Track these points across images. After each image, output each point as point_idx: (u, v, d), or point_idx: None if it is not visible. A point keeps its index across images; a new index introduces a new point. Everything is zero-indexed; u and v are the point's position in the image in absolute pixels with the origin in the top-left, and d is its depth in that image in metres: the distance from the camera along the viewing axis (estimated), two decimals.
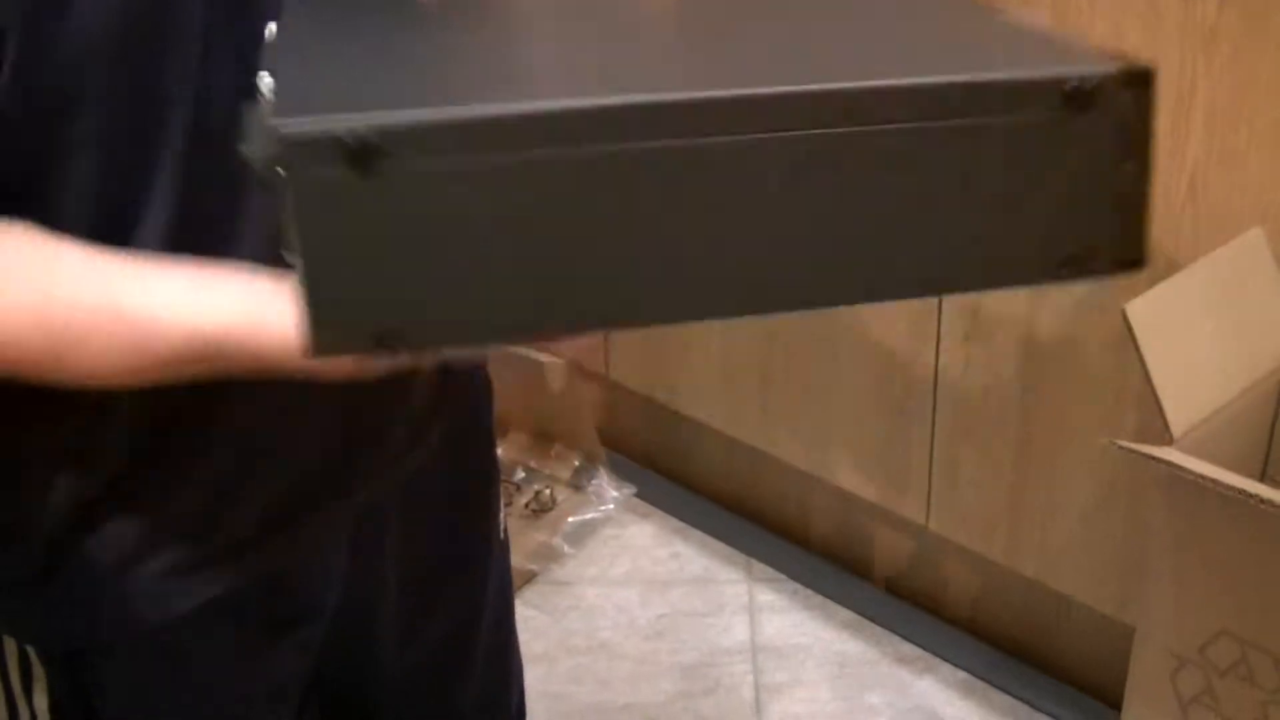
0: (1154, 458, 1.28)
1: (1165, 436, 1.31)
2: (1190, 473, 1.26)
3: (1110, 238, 0.63)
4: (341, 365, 0.66)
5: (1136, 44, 1.51)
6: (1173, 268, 1.38)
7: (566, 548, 2.23)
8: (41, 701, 0.91)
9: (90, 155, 0.75)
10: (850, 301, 0.58)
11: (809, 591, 2.13)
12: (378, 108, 0.51)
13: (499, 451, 1.15)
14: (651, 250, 0.54)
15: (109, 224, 0.76)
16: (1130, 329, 1.30)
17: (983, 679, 1.96)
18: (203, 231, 0.78)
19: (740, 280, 0.56)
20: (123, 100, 0.75)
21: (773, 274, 0.56)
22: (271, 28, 0.76)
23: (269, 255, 0.66)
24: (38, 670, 0.90)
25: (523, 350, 2.27)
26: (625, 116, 0.52)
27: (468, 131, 0.51)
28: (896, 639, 2.04)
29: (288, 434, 0.89)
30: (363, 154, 0.50)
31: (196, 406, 0.84)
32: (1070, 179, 0.60)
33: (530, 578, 2.16)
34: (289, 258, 0.54)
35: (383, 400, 0.94)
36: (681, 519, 2.30)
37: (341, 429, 0.92)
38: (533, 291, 0.54)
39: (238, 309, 0.72)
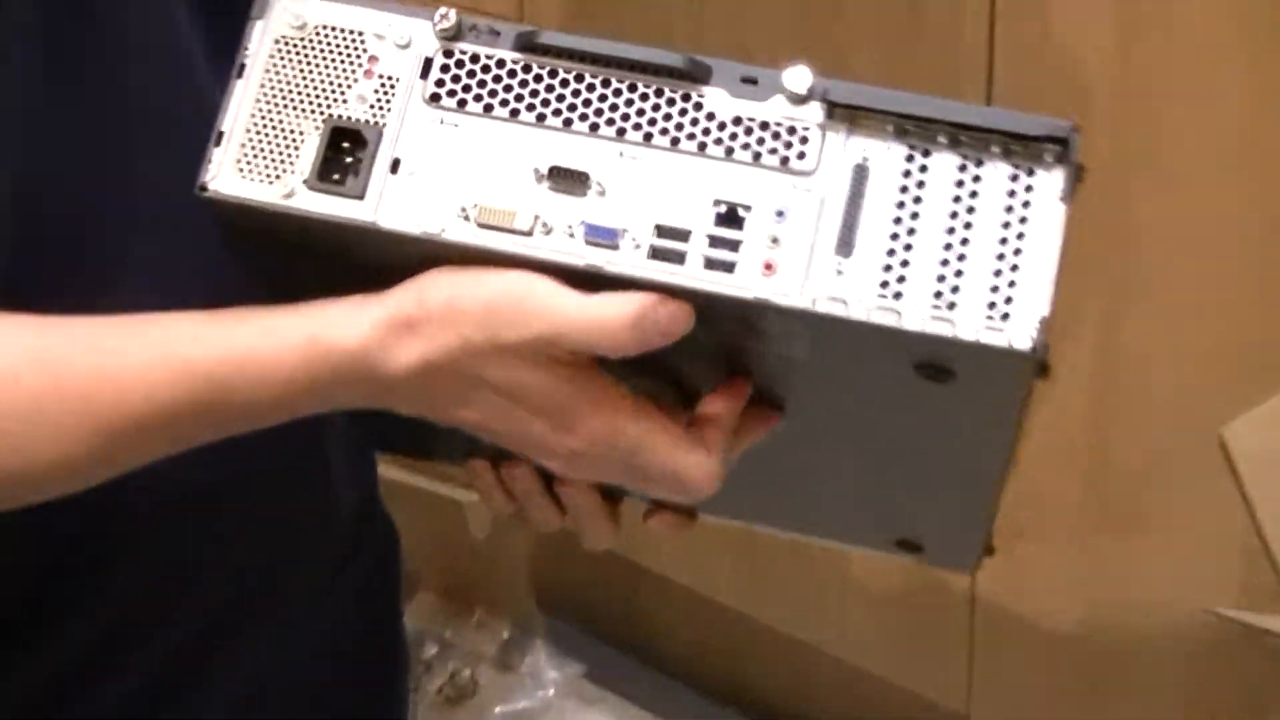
0: (1267, 631, 1.33)
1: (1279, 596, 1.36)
2: None
3: (940, 540, 0.89)
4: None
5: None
6: (1276, 385, 1.39)
7: None
8: None
9: None
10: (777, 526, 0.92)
11: None
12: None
13: (404, 621, 1.12)
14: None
15: None
16: (1228, 455, 1.32)
17: None
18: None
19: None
20: None
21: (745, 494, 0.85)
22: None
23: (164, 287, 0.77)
24: None
25: (437, 486, 2.14)
26: None
27: None
28: None
29: (163, 606, 0.90)
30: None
31: (63, 584, 0.87)
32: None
33: None
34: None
35: (280, 552, 0.95)
36: (643, 706, 2.13)
37: (223, 600, 0.93)
38: None
39: (257, 329, 0.73)
